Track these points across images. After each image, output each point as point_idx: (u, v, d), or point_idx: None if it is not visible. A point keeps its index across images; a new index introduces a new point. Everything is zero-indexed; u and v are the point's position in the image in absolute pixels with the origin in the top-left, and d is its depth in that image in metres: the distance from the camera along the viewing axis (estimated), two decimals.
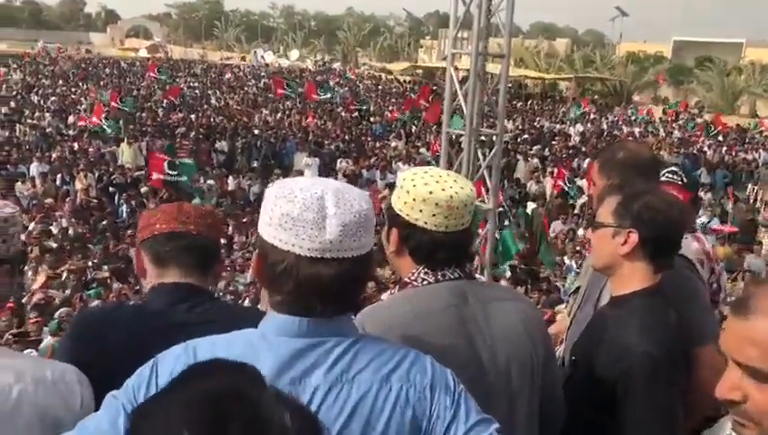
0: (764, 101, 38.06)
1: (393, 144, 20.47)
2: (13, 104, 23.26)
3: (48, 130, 18.92)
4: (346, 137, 20.95)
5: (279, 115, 24.43)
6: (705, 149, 23.03)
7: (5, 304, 5.59)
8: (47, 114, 21.33)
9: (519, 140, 22.12)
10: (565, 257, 11.40)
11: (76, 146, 16.93)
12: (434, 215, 1.46)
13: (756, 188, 18.30)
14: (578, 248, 11.48)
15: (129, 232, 10.65)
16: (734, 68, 41.19)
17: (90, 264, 9.61)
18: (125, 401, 1.07)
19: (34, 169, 14.40)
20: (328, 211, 1.11)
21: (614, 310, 1.77)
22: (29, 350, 5.95)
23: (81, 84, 30.32)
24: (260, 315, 1.20)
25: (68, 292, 8.24)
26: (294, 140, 19.46)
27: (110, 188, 14.02)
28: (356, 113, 25.42)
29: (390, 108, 27.49)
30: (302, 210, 1.10)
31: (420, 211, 1.47)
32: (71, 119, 20.64)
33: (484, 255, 7.94)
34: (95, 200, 13.53)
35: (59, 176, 14.31)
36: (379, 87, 37.77)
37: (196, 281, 1.63)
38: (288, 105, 25.57)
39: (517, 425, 1.49)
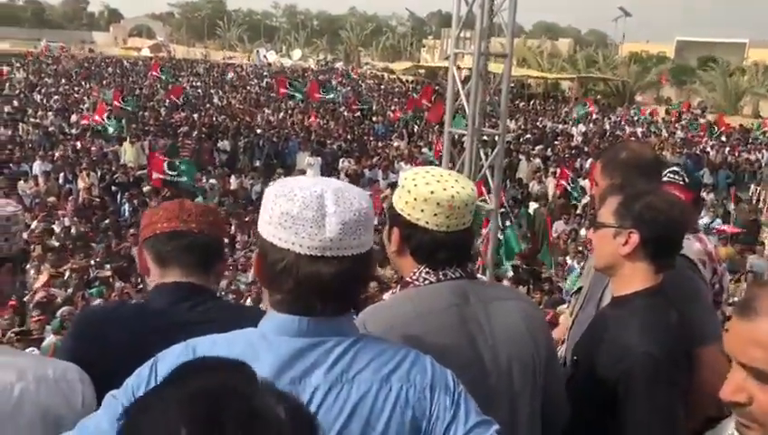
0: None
1: (395, 144, 20.47)
2: (16, 103, 23.23)
3: (51, 129, 18.90)
4: (348, 136, 20.93)
5: (281, 114, 24.41)
6: (708, 149, 22.95)
7: (8, 302, 5.58)
8: (50, 113, 21.31)
9: (521, 139, 22.06)
10: (567, 258, 11.38)
11: (79, 145, 16.93)
12: (435, 214, 1.46)
13: (759, 188, 18.21)
14: (580, 249, 11.45)
15: (131, 231, 10.64)
16: (737, 68, 41.05)
17: (92, 262, 9.61)
18: (125, 401, 1.07)
19: (37, 167, 14.40)
20: (327, 209, 1.11)
21: (615, 310, 1.77)
22: (31, 348, 5.96)
23: (83, 83, 30.28)
24: (261, 315, 1.19)
25: (70, 290, 8.24)
26: (297, 139, 19.44)
27: (113, 187, 14.02)
28: (358, 113, 25.40)
29: (393, 107, 27.44)
30: (301, 208, 1.10)
31: (422, 211, 1.47)
32: (73, 118, 20.65)
33: (486, 255, 7.93)
34: (98, 199, 13.53)
35: (61, 175, 14.31)
36: (382, 87, 37.69)
37: (197, 280, 1.63)
38: (290, 105, 25.58)
39: (519, 425, 1.49)
